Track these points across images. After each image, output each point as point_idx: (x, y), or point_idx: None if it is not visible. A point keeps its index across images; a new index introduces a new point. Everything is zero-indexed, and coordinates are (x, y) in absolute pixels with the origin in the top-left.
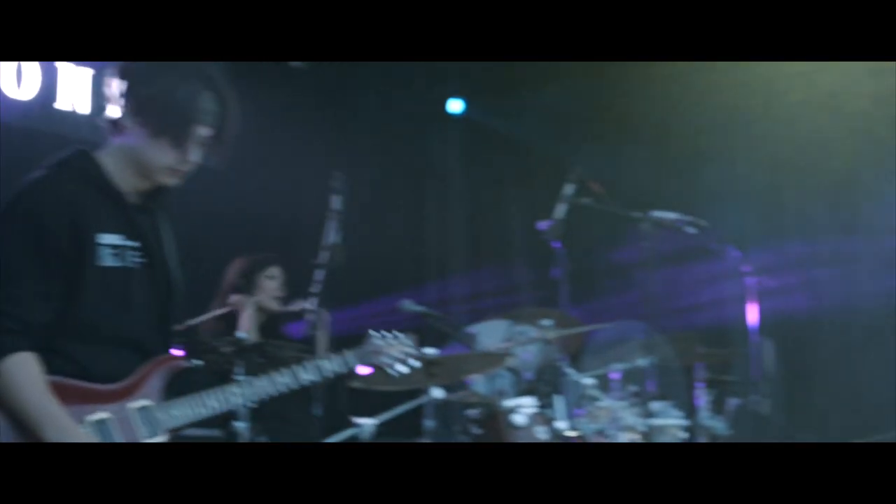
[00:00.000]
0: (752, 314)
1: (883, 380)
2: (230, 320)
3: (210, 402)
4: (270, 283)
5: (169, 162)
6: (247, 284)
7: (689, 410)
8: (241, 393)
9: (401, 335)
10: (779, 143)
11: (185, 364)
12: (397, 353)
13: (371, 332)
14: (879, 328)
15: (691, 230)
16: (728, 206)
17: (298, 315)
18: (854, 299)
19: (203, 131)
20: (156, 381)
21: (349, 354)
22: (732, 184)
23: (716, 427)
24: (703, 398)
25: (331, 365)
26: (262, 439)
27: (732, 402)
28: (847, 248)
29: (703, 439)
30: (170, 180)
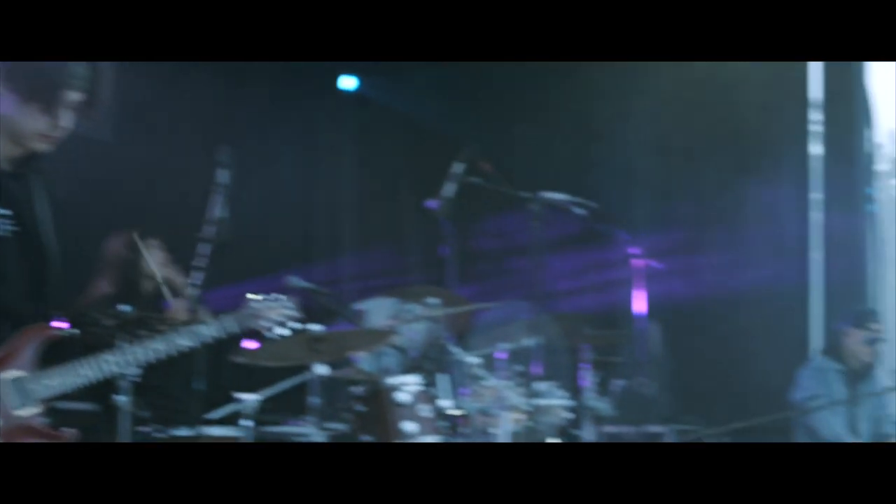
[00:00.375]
0: (640, 297)
1: (766, 364)
2: (120, 293)
3: (83, 371)
4: (157, 253)
5: (40, 127)
6: (135, 255)
7: (575, 391)
8: (116, 360)
9: (280, 297)
10: (671, 132)
11: (59, 334)
12: (276, 316)
13: (249, 295)
14: (764, 314)
15: (581, 212)
16: (618, 190)
17: (181, 290)
18: (740, 285)
19: (74, 96)
20: (28, 352)
21: (226, 318)
22: (623, 168)
23: (600, 408)
24: (588, 379)
25: (207, 330)
26: (144, 414)
27: (618, 384)
28: (734, 235)
29: (587, 420)
30: (41, 146)
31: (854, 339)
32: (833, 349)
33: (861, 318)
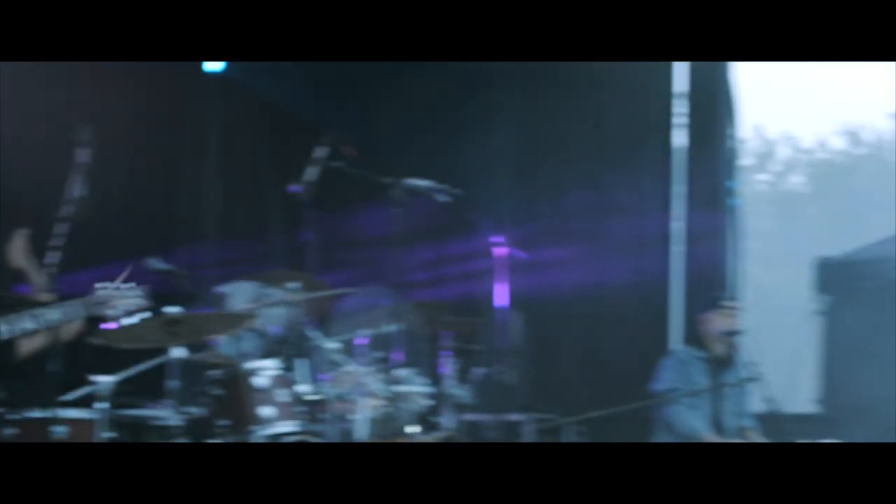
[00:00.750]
0: (501, 286)
1: (626, 355)
2: None
3: None
4: (19, 242)
5: None
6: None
7: (435, 378)
8: None
9: (130, 286)
10: (535, 123)
11: None
12: (124, 305)
13: (97, 283)
14: (625, 305)
15: (444, 198)
16: (483, 179)
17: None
18: (601, 276)
19: None
20: None
21: (71, 304)
22: (488, 158)
23: (460, 396)
24: (448, 367)
25: (52, 314)
26: (1, 396)
27: (478, 372)
28: (596, 226)
29: (447, 407)
30: None
31: (713, 324)
32: (695, 338)
33: (716, 301)
